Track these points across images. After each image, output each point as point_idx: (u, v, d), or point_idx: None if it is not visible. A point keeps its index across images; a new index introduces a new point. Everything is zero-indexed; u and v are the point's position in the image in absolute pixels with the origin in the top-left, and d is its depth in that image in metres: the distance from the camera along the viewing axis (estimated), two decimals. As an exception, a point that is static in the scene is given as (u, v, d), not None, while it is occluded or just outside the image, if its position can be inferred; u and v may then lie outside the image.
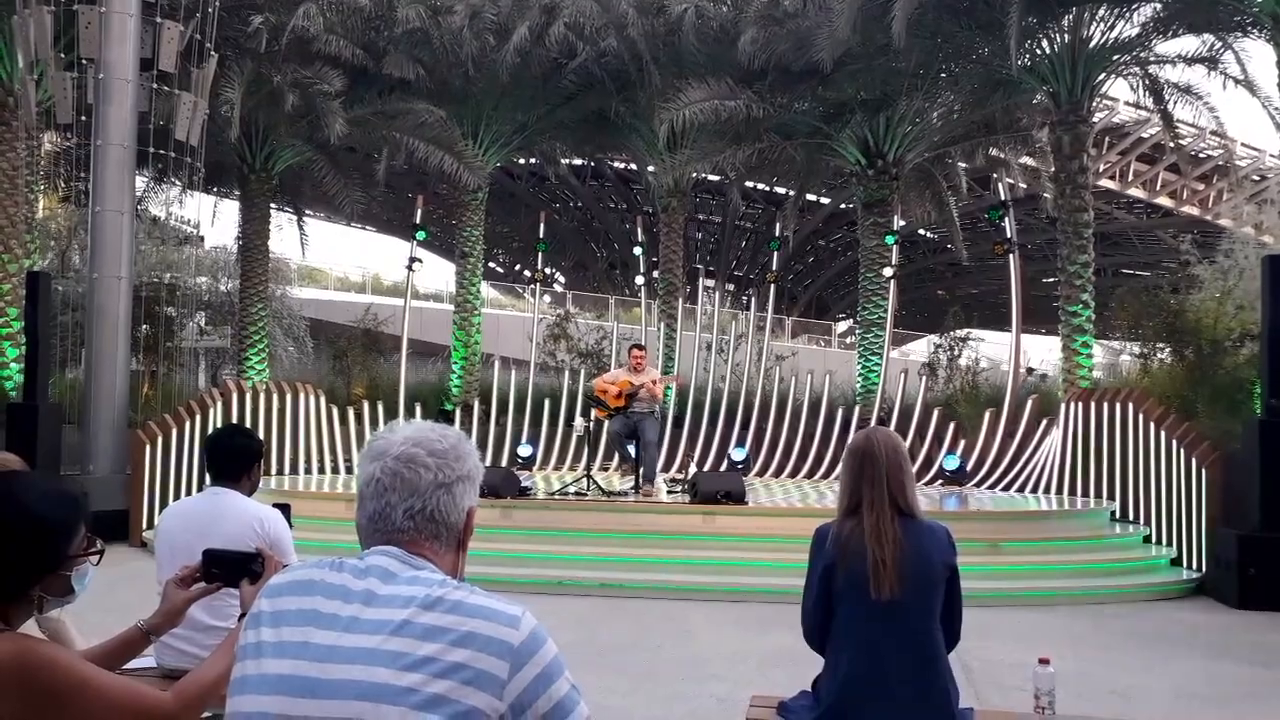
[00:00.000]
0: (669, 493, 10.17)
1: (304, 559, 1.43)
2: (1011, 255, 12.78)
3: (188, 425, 10.39)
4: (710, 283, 33.23)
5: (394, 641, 1.22)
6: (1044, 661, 2.86)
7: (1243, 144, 24.17)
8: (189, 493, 9.66)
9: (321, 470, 12.33)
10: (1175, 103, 14.68)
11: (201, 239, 20.74)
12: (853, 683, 2.81)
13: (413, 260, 14.33)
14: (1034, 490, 11.19)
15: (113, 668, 1.99)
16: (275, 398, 11.85)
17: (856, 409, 14.00)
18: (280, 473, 11.59)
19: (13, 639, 1.65)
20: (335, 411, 13.01)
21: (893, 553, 2.79)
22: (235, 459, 3.42)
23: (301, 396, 12.28)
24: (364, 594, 1.29)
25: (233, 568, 2.15)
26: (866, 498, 2.87)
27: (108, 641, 2.09)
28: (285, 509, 3.40)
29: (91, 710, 1.64)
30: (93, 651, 2.06)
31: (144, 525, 9.62)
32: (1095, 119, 16.51)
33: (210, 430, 10.24)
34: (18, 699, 1.60)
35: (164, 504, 9.51)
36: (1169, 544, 8.93)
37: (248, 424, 10.75)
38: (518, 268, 38.36)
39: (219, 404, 10.91)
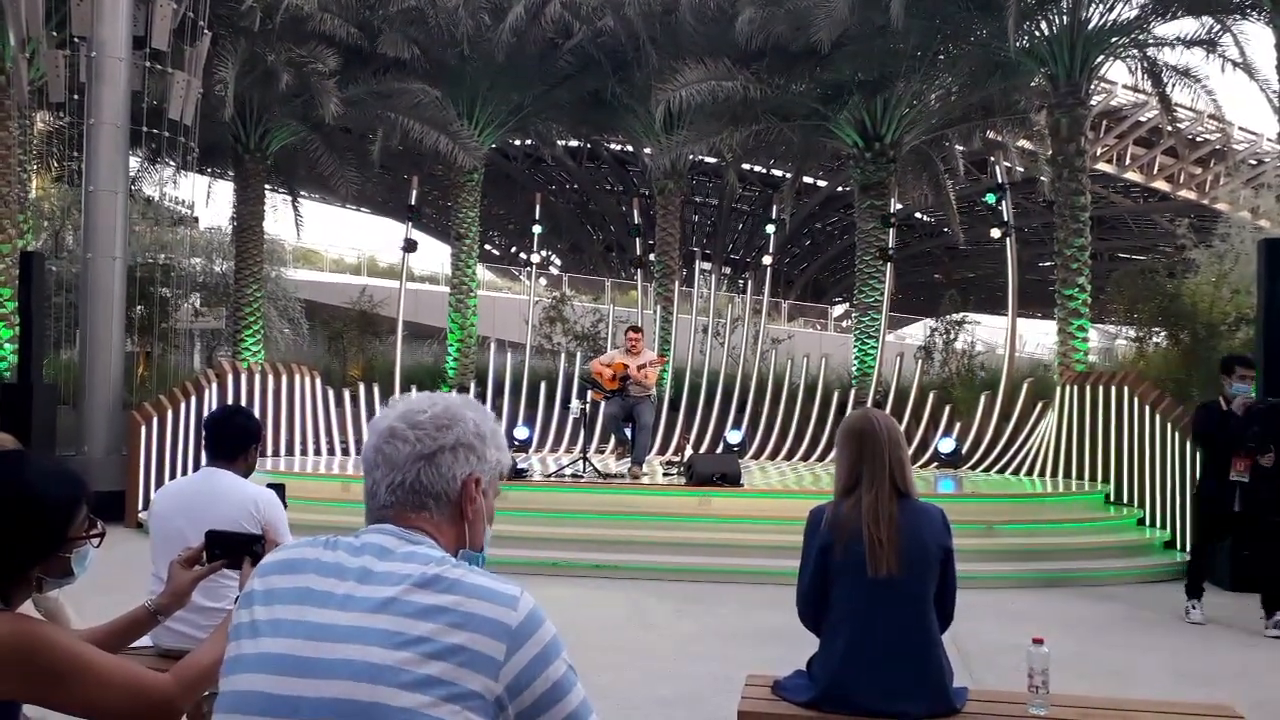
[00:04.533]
0: (665, 475, 10.18)
1: (298, 539, 1.41)
2: (1008, 239, 12.77)
3: (183, 406, 10.37)
4: (707, 265, 33.17)
5: (388, 620, 1.21)
6: (1038, 641, 2.87)
7: (1240, 128, 24.11)
8: (184, 474, 9.65)
9: (317, 451, 12.33)
10: (1173, 86, 14.65)
11: (196, 220, 20.63)
12: (848, 662, 2.82)
13: (408, 242, 14.27)
14: (1029, 473, 11.22)
15: (119, 648, 1.99)
16: (271, 379, 11.83)
17: (852, 392, 14.02)
18: (276, 454, 11.59)
19: (12, 619, 1.64)
20: (331, 393, 12.99)
21: (890, 532, 2.80)
22: (234, 439, 3.41)
23: (297, 378, 12.26)
24: (359, 571, 1.27)
25: (235, 548, 2.15)
26: (866, 476, 2.87)
27: (115, 621, 2.09)
28: (279, 489, 3.40)
29: (90, 691, 1.64)
30: (100, 631, 2.05)
31: (139, 506, 9.62)
32: (1093, 102, 16.47)
33: (206, 411, 10.24)
34: (17, 679, 1.59)
35: (159, 485, 9.51)
36: (1163, 526, 8.97)
37: (243, 405, 10.73)
38: (514, 250, 38.27)
39: (214, 385, 10.89)
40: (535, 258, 17.02)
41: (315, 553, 1.31)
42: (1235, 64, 13.56)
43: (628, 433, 9.80)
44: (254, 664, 1.25)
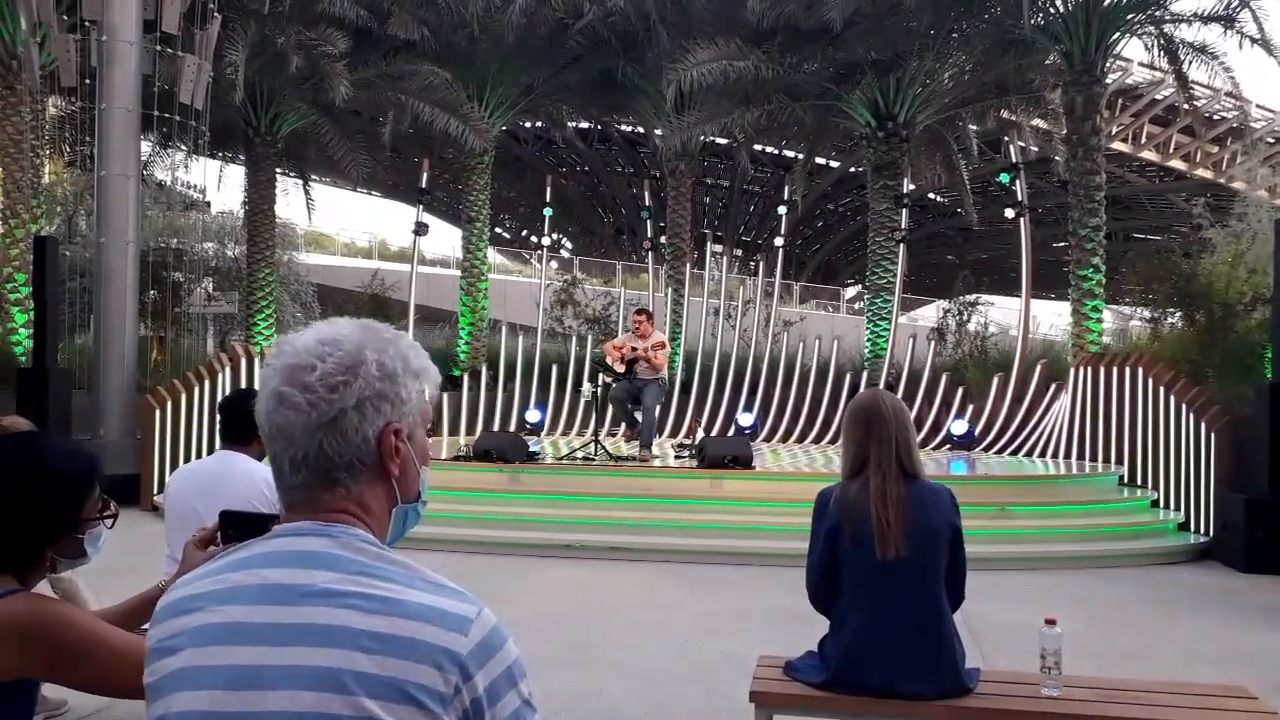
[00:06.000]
0: (677, 457, 10.20)
1: (201, 568, 1.30)
2: (1022, 219, 12.69)
3: (197, 390, 10.43)
4: (718, 248, 33.05)
5: (322, 655, 1.03)
6: (1050, 622, 2.87)
7: (1258, 105, 23.79)
8: (198, 457, 9.72)
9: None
10: (1190, 63, 14.44)
11: (207, 204, 20.68)
12: (859, 643, 2.82)
13: (419, 225, 14.27)
14: (1042, 455, 11.19)
15: (132, 627, 2.00)
16: (283, 363, 11.86)
17: (864, 374, 13.98)
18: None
19: (29, 599, 1.66)
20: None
21: (898, 513, 2.80)
22: (248, 422, 3.42)
23: (309, 361, 12.28)
24: (280, 590, 1.08)
25: (250, 528, 2.15)
26: (874, 457, 2.87)
27: (127, 601, 2.10)
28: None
29: (107, 668, 1.66)
30: (112, 611, 2.07)
31: (154, 489, 9.69)
32: (1108, 80, 16.27)
33: (219, 395, 10.29)
34: (35, 658, 1.62)
35: (174, 468, 9.57)
36: (1177, 508, 8.94)
37: (257, 388, 10.77)
38: (524, 233, 38.24)
39: (227, 369, 10.93)
40: (546, 241, 17.00)
41: (223, 580, 1.11)
42: (1253, 40, 13.37)
43: (637, 415, 9.82)
44: None
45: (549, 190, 15.77)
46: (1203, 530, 8.54)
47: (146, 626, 2.21)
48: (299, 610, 1.06)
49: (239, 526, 2.16)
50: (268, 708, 1.02)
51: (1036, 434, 11.61)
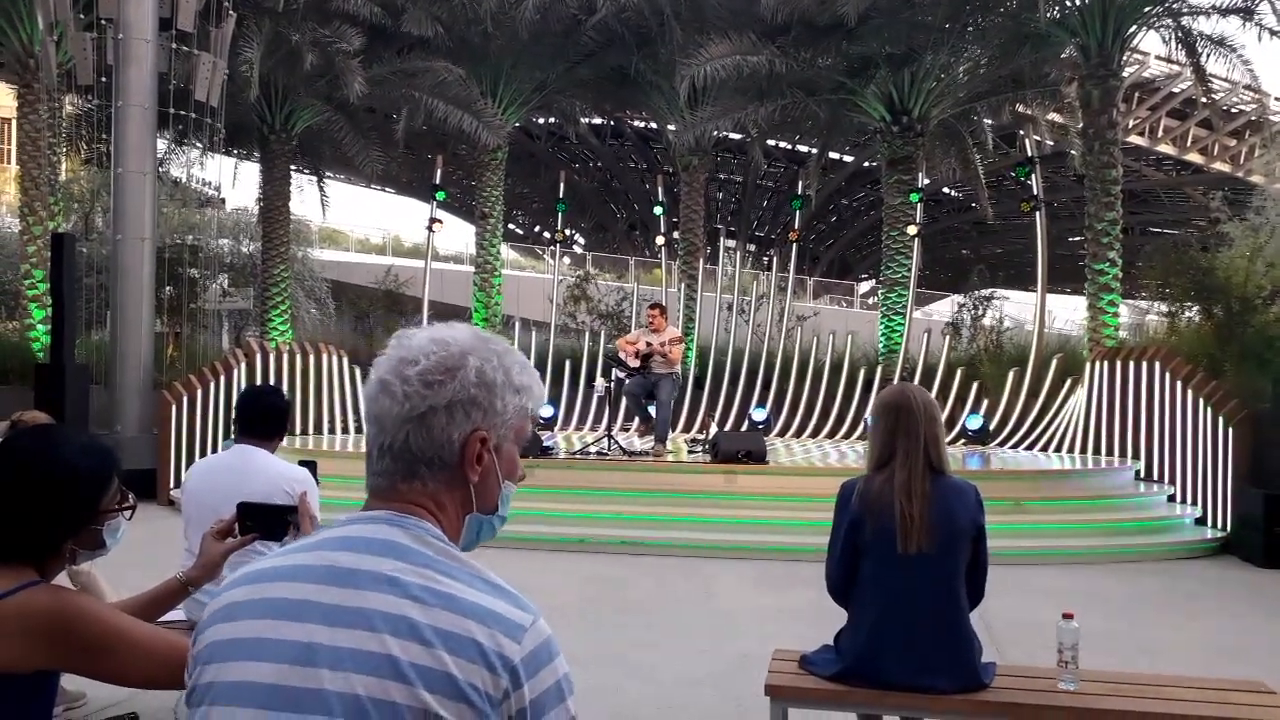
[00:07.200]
0: (690, 452, 10.19)
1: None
2: (1037, 213, 12.62)
3: (213, 385, 10.49)
4: (731, 243, 33.01)
5: (376, 642, 1.04)
6: (1068, 616, 2.85)
7: (1276, 98, 23.56)
8: (215, 451, 9.77)
9: (345, 430, 12.44)
10: (1208, 56, 14.33)
11: (223, 201, 20.79)
12: (876, 636, 2.82)
13: (433, 221, 14.30)
14: (1058, 450, 11.13)
15: (151, 618, 2.02)
16: (298, 358, 11.93)
17: (879, 369, 13.93)
18: (304, 432, 11.71)
19: (49, 591, 1.67)
20: (358, 372, 13.08)
21: (922, 508, 2.78)
22: (268, 418, 3.45)
23: (324, 357, 12.36)
24: (344, 573, 1.09)
25: (267, 520, 2.17)
26: (901, 451, 2.85)
27: (147, 592, 2.12)
28: (312, 466, 3.44)
29: (126, 661, 1.66)
30: (132, 602, 2.08)
31: (171, 484, 9.76)
32: (1125, 73, 16.14)
33: (235, 390, 10.35)
34: (55, 650, 1.62)
35: (190, 463, 9.63)
36: (1194, 503, 8.88)
37: (271, 384, 10.83)
38: (538, 229, 38.24)
39: (243, 364, 11.00)
40: (559, 236, 17.00)
41: (292, 558, 1.14)
42: (1272, 32, 13.26)
43: (651, 410, 9.82)
44: (231, 695, 1.08)
45: (562, 186, 15.76)
46: (1220, 525, 8.48)
47: (165, 618, 2.23)
48: (364, 595, 1.07)
49: (256, 518, 2.18)
50: (327, 686, 1.04)
51: (1052, 429, 11.55)
